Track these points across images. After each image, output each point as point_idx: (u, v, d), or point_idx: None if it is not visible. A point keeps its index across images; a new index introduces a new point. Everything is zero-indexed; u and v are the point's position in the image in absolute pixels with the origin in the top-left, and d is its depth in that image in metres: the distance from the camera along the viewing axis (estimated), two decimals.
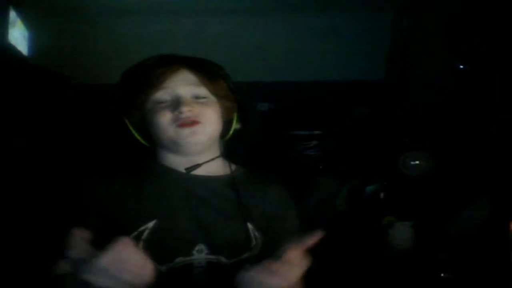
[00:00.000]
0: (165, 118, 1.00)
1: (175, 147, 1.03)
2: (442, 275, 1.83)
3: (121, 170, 1.06)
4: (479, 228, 1.86)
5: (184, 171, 1.05)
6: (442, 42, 2.54)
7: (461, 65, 2.29)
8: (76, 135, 3.17)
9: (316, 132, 4.28)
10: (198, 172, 1.05)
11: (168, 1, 3.67)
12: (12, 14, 2.68)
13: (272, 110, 4.14)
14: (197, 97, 1.03)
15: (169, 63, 1.04)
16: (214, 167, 1.08)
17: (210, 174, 1.07)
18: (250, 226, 1.03)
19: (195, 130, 1.00)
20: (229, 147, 1.10)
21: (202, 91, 1.04)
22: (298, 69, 3.87)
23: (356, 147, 3.61)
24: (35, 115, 2.75)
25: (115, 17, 3.77)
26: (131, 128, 1.07)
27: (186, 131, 1.00)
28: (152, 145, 1.09)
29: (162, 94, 1.02)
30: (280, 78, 3.87)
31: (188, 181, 1.05)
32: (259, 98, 3.99)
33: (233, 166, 1.13)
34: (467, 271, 1.76)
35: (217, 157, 1.09)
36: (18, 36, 2.78)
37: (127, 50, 3.60)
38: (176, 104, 1.00)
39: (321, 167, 4.17)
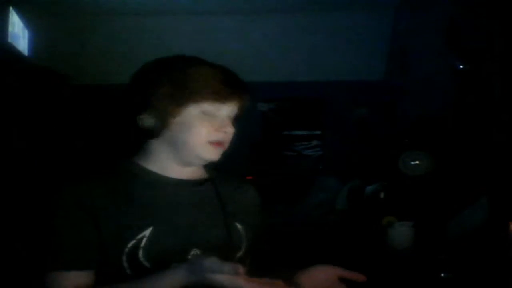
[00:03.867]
0: (205, 130, 0.99)
1: (187, 159, 1.02)
2: (442, 275, 1.82)
3: (105, 176, 1.02)
4: (479, 228, 1.87)
5: (173, 176, 1.04)
6: (442, 42, 2.55)
7: (461, 65, 2.29)
8: (75, 134, 3.18)
9: (316, 132, 4.28)
10: (184, 176, 1.05)
11: (168, 1, 3.67)
12: (12, 14, 2.68)
13: (272, 110, 4.15)
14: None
15: (236, 85, 1.02)
16: (197, 172, 1.08)
17: (193, 178, 1.06)
18: (239, 226, 1.06)
19: (220, 151, 1.02)
20: (230, 147, 1.08)
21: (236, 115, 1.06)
22: (298, 69, 3.87)
23: (356, 147, 3.62)
24: (34, 114, 2.75)
25: (115, 17, 3.77)
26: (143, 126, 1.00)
27: (217, 150, 1.01)
28: (145, 145, 1.04)
29: (214, 108, 1.00)
30: (280, 78, 3.88)
31: (177, 186, 1.04)
32: (259, 98, 4.00)
33: (208, 170, 1.12)
34: (467, 271, 1.76)
35: (208, 163, 1.08)
36: (18, 36, 2.78)
37: (127, 50, 3.61)
38: (223, 122, 1.00)
39: (321, 167, 4.17)
